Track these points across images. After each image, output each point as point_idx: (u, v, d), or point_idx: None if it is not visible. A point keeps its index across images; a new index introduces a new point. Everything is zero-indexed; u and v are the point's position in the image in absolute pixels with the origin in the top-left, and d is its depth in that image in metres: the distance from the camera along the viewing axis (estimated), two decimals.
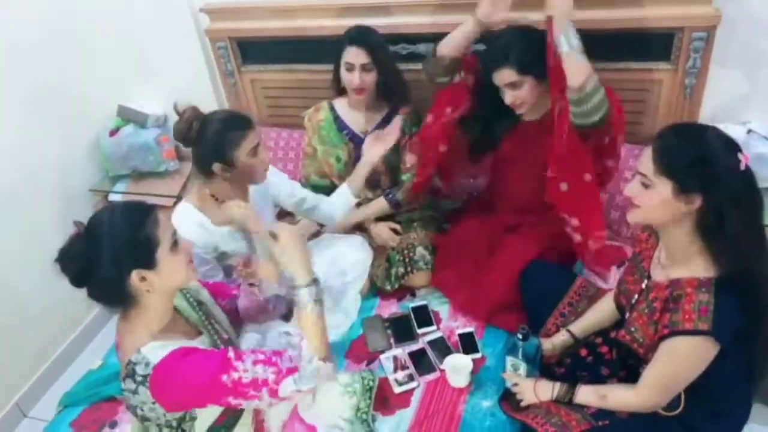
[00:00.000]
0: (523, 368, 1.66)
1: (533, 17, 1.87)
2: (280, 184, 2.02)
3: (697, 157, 1.29)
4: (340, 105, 2.27)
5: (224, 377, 1.24)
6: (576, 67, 1.63)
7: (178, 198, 2.68)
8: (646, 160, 1.35)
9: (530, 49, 1.79)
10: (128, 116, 2.75)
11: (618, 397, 1.50)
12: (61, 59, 2.52)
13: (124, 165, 2.73)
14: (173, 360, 1.25)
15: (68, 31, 2.52)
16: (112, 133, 2.72)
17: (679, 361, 1.38)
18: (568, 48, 1.62)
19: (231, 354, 1.27)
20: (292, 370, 1.28)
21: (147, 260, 1.25)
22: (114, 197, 2.74)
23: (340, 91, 2.24)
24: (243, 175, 1.77)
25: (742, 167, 1.28)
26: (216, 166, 1.71)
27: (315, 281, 1.36)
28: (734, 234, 1.29)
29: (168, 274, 1.28)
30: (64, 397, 1.96)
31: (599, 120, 1.68)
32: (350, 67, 2.07)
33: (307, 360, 1.29)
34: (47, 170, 2.53)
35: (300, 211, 2.10)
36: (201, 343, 1.38)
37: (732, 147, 1.30)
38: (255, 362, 1.27)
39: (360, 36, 2.08)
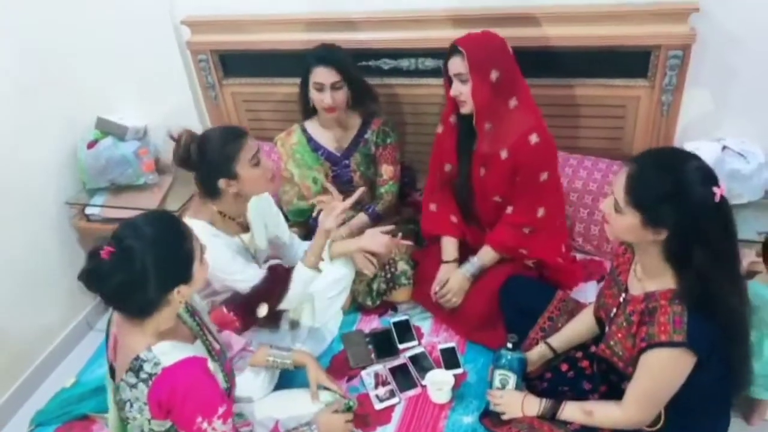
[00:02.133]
0: (512, 381, 1.65)
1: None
2: (272, 209, 1.99)
3: (668, 193, 1.28)
4: (312, 126, 2.25)
5: (204, 423, 1.27)
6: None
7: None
8: (619, 185, 1.35)
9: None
10: (107, 128, 2.71)
11: (604, 413, 1.50)
12: (39, 69, 2.48)
13: (102, 178, 2.69)
14: (183, 371, 1.27)
15: (47, 41, 2.49)
16: (91, 145, 2.68)
17: (658, 374, 1.38)
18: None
19: (222, 410, 1.30)
20: None
21: (188, 276, 1.29)
22: (91, 210, 2.69)
23: (309, 112, 2.22)
24: (249, 187, 1.75)
25: (717, 199, 1.27)
26: (222, 182, 1.70)
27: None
28: (700, 267, 1.30)
29: (197, 284, 1.34)
30: (36, 415, 1.92)
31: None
32: (320, 87, 2.07)
33: None
34: (22, 182, 2.48)
35: (276, 242, 2.05)
36: (198, 348, 1.40)
37: (708, 180, 1.28)
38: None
39: (328, 55, 2.08)
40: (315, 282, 2.04)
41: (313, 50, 2.11)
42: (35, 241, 2.55)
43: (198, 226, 1.74)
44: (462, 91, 1.85)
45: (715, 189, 1.27)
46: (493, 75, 1.80)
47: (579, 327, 1.74)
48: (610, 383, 1.58)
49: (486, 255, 2.01)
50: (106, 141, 2.69)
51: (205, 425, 1.28)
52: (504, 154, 1.90)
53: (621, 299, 1.51)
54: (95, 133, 2.72)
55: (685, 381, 1.36)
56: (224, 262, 1.73)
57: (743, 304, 1.40)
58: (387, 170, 2.22)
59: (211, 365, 1.36)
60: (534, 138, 1.86)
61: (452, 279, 2.01)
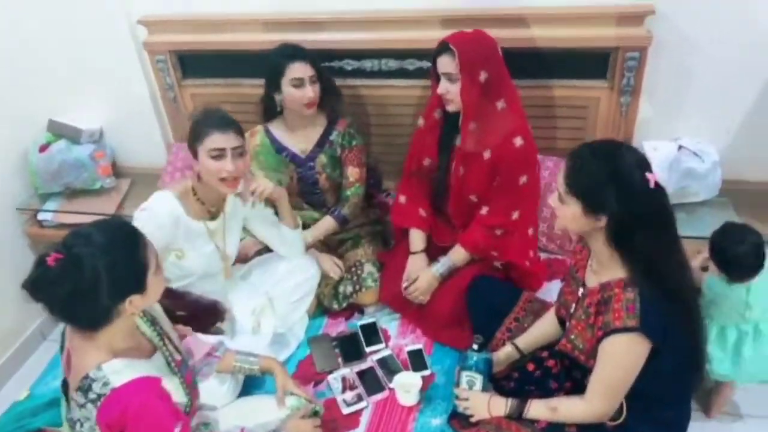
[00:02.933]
0: (479, 382, 1.66)
1: None
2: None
3: (603, 180, 1.34)
4: (275, 127, 2.22)
5: None
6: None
7: (114, 216, 2.57)
8: (560, 176, 1.42)
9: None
10: (60, 131, 2.62)
11: (568, 408, 1.52)
12: None
13: (56, 182, 2.60)
14: (133, 393, 1.21)
15: None
16: (43, 148, 2.59)
17: (616, 362, 1.41)
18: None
19: (177, 429, 1.25)
20: None
21: (141, 285, 1.24)
22: (44, 216, 2.60)
23: (272, 114, 2.19)
24: (203, 174, 1.75)
25: (651, 185, 1.33)
26: (193, 161, 1.74)
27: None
28: (641, 249, 1.36)
29: (152, 296, 1.28)
30: None
31: None
32: (299, 83, 2.03)
33: None
34: None
35: (259, 230, 2.04)
36: (157, 361, 1.35)
37: (641, 166, 1.35)
38: None
39: (300, 51, 2.06)
40: (277, 285, 2.02)
41: (281, 49, 2.08)
42: None
43: (161, 194, 1.78)
44: (450, 89, 1.84)
45: (648, 175, 1.32)
46: (483, 76, 1.80)
47: (545, 327, 1.76)
48: (575, 380, 1.60)
49: (457, 255, 2.02)
50: (59, 144, 2.60)
51: None
52: (487, 155, 1.90)
53: (579, 294, 1.54)
54: (47, 136, 2.63)
55: (643, 369, 1.39)
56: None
57: (690, 288, 1.46)
58: (353, 173, 2.21)
59: (168, 382, 1.31)
60: (518, 141, 1.86)
61: (422, 277, 2.01)
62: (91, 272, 1.16)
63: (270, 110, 2.17)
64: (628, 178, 1.33)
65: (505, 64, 1.87)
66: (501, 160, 1.89)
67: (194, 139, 1.73)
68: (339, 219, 2.22)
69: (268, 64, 2.08)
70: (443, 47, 1.82)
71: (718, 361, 1.78)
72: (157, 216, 1.72)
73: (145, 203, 1.77)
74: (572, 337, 1.53)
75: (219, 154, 1.70)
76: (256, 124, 2.24)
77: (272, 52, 2.09)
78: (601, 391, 1.46)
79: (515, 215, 1.94)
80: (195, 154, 1.74)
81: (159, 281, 1.30)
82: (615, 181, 1.33)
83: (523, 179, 1.91)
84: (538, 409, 1.55)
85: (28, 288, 1.16)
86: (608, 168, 1.35)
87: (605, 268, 1.46)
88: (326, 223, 2.21)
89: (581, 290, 1.54)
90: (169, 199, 1.76)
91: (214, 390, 1.71)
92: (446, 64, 1.82)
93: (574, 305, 1.56)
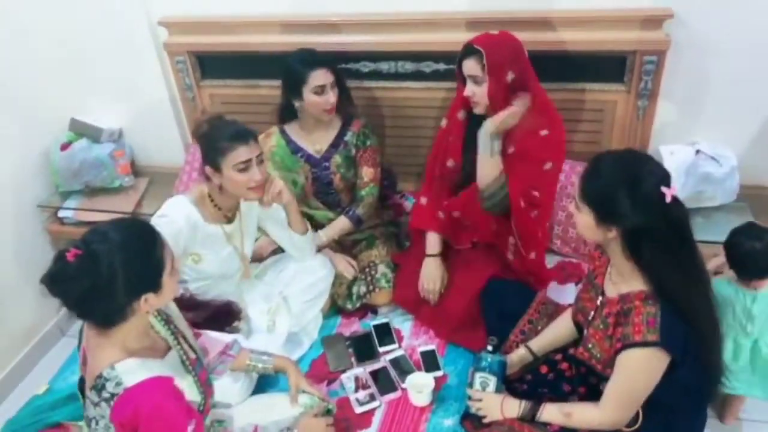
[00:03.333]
0: (493, 383, 1.66)
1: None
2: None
3: (616, 190, 1.32)
4: (291, 129, 2.23)
5: None
6: (485, 170, 1.88)
7: (133, 214, 2.60)
8: (577, 182, 1.41)
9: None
10: (81, 130, 2.66)
11: (583, 414, 1.51)
12: (11, 69, 2.42)
13: (76, 180, 2.64)
14: (146, 393, 1.22)
15: (20, 40, 2.44)
16: (64, 147, 2.63)
17: (634, 374, 1.40)
18: (487, 152, 1.86)
19: (191, 427, 1.26)
20: None
21: (156, 284, 1.25)
22: (64, 213, 2.64)
23: (288, 117, 2.20)
24: (229, 186, 1.77)
25: (668, 199, 1.30)
26: (208, 169, 1.75)
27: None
28: (653, 264, 1.35)
29: (167, 295, 1.30)
30: (7, 424, 1.86)
31: (499, 211, 1.93)
32: (321, 90, 2.04)
33: None
34: None
35: (272, 230, 2.06)
36: (171, 360, 1.37)
37: (658, 179, 1.32)
38: None
39: (319, 57, 2.07)
40: (291, 285, 2.03)
41: (300, 56, 2.07)
42: (6, 244, 2.49)
43: (177, 200, 1.81)
44: (476, 92, 1.85)
45: (664, 189, 1.30)
46: (509, 77, 1.81)
47: (559, 330, 1.75)
48: (589, 385, 1.59)
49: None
50: (81, 143, 2.64)
51: None
52: (510, 150, 1.90)
53: (598, 302, 1.53)
54: (69, 135, 2.67)
55: (661, 380, 1.38)
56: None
57: (710, 304, 1.43)
58: (367, 173, 2.22)
59: (181, 381, 1.32)
60: (544, 132, 1.87)
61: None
62: (107, 269, 1.17)
63: (287, 114, 2.20)
64: (642, 190, 1.31)
65: (531, 64, 1.87)
66: (525, 150, 1.88)
67: (215, 155, 1.72)
68: (353, 219, 2.23)
69: (288, 73, 2.08)
70: (469, 49, 1.83)
71: (738, 375, 1.77)
72: (175, 222, 1.75)
73: (162, 209, 1.80)
74: (589, 345, 1.52)
75: (245, 167, 1.73)
76: (272, 125, 2.27)
77: (291, 60, 2.08)
78: (617, 401, 1.45)
79: (535, 193, 1.92)
80: (216, 169, 1.74)
81: (173, 281, 1.32)
82: (628, 192, 1.31)
83: (548, 165, 1.91)
84: (551, 413, 1.55)
85: (47, 282, 1.18)
86: (623, 178, 1.33)
87: (625, 279, 1.44)
88: (341, 223, 2.22)
89: (600, 298, 1.53)
90: (185, 204, 1.79)
91: (228, 388, 1.73)
92: (472, 66, 1.82)
93: (592, 313, 1.55)
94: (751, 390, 1.80)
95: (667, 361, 1.36)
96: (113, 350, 1.26)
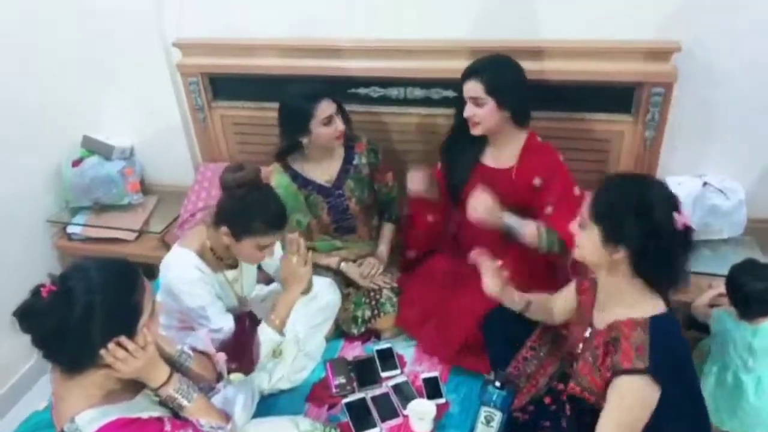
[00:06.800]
0: (498, 418, 1.64)
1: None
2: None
3: (626, 208, 1.32)
4: (296, 164, 2.19)
5: None
6: (528, 240, 1.88)
7: (140, 232, 2.62)
8: (587, 200, 1.41)
9: (505, 77, 1.86)
10: (93, 147, 2.70)
11: None
12: (26, 86, 2.47)
13: (86, 196, 2.67)
14: None
15: (36, 58, 2.49)
16: (76, 163, 2.67)
17: (625, 404, 1.36)
18: (521, 230, 1.88)
19: (168, 427, 1.22)
20: None
21: (130, 329, 1.19)
22: (72, 229, 2.66)
23: (289, 151, 2.18)
24: (239, 253, 1.77)
25: (679, 226, 1.30)
26: (223, 230, 1.70)
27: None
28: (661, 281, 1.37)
29: (142, 341, 1.22)
30: None
31: (558, 251, 1.89)
32: (329, 120, 2.04)
33: None
34: (4, 198, 2.45)
35: (272, 271, 2.05)
36: (143, 399, 1.30)
37: (670, 204, 1.32)
38: None
39: (321, 88, 2.07)
40: (298, 310, 2.01)
41: (300, 92, 2.06)
42: (15, 257, 2.50)
43: (183, 254, 1.75)
44: (476, 113, 1.88)
45: (676, 215, 1.30)
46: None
47: (555, 301, 1.76)
48: (586, 425, 1.51)
49: (530, 230, 1.89)
50: (92, 159, 2.67)
51: None
52: (548, 210, 1.92)
53: (587, 334, 1.52)
54: (81, 152, 2.71)
55: (657, 408, 1.34)
56: (200, 301, 1.73)
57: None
58: (388, 177, 2.30)
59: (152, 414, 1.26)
60: (560, 157, 1.94)
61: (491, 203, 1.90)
62: (81, 308, 1.12)
63: (289, 148, 2.17)
64: (653, 211, 1.31)
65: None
66: (553, 176, 1.92)
67: (243, 230, 1.68)
68: (395, 220, 2.32)
69: (291, 113, 2.06)
70: (469, 72, 1.88)
71: (714, 410, 1.73)
72: (194, 276, 1.73)
73: (170, 260, 1.76)
74: (579, 379, 1.50)
75: (266, 247, 1.73)
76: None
77: (290, 99, 2.07)
78: None
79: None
80: (236, 239, 1.70)
81: (153, 327, 1.26)
82: (638, 212, 1.31)
83: (576, 191, 1.95)
84: None
85: (17, 316, 1.13)
86: (634, 196, 1.33)
87: (614, 306, 1.43)
88: (386, 231, 2.32)
89: (588, 330, 1.52)
90: (192, 258, 1.74)
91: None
92: (471, 88, 1.86)
93: (581, 345, 1.54)
94: (755, 429, 1.76)
95: (659, 388, 1.32)
96: (76, 400, 1.21)
